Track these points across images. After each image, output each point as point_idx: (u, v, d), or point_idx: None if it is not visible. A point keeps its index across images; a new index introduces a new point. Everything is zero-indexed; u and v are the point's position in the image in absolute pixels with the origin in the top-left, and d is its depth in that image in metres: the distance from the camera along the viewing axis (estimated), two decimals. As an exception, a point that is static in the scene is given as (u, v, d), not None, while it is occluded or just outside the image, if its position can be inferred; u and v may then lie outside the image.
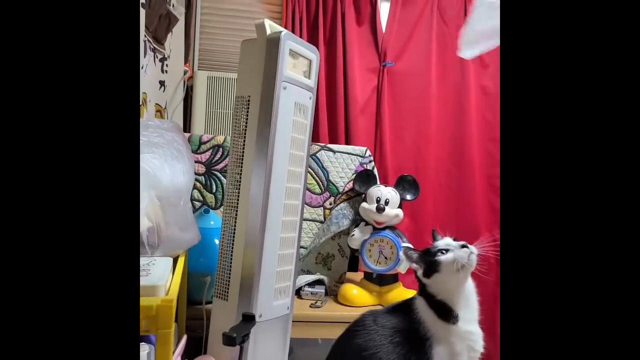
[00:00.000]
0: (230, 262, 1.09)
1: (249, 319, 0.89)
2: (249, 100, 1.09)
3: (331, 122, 2.10)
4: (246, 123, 1.09)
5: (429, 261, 0.95)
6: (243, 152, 1.09)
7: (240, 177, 1.09)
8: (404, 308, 0.99)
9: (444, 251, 0.95)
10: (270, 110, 1.05)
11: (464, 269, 0.93)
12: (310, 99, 1.17)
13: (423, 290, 0.98)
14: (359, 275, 1.63)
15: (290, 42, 1.07)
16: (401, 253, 1.48)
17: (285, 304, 1.15)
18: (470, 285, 0.97)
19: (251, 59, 1.10)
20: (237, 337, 0.81)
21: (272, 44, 1.05)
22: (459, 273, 0.93)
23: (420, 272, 0.97)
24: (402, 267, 1.50)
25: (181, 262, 1.00)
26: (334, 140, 2.08)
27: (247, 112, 1.09)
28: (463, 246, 0.95)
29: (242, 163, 1.09)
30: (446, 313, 0.94)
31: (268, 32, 1.07)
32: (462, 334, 0.94)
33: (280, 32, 1.06)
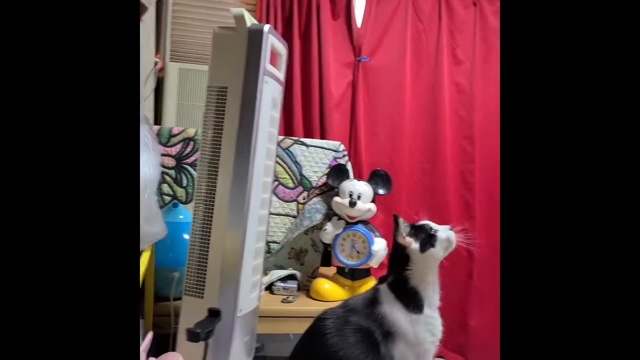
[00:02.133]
0: (206, 258, 1.06)
1: (214, 315, 0.87)
2: (225, 91, 1.06)
3: (306, 117, 2.09)
4: (223, 114, 1.07)
5: (427, 235, 0.97)
6: (219, 144, 1.07)
7: (217, 171, 1.07)
8: (366, 302, 0.99)
9: (435, 229, 0.98)
10: (254, 104, 1.03)
11: (448, 250, 0.97)
12: (281, 93, 1.16)
13: (394, 277, 0.99)
14: (332, 270, 1.63)
15: (272, 37, 1.06)
16: (373, 247, 1.49)
17: (256, 296, 1.16)
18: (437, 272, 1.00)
19: (228, 49, 1.07)
20: (202, 333, 0.79)
21: (255, 37, 1.03)
22: (444, 252, 0.97)
23: (414, 246, 0.97)
24: (374, 262, 1.51)
25: (146, 256, 0.97)
26: (308, 134, 2.06)
27: (224, 103, 1.07)
28: (450, 229, 0.99)
29: (218, 156, 1.07)
30: (414, 303, 0.95)
31: (248, 23, 1.05)
32: (425, 320, 0.95)
33: (262, 25, 1.04)
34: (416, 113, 2.17)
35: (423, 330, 0.95)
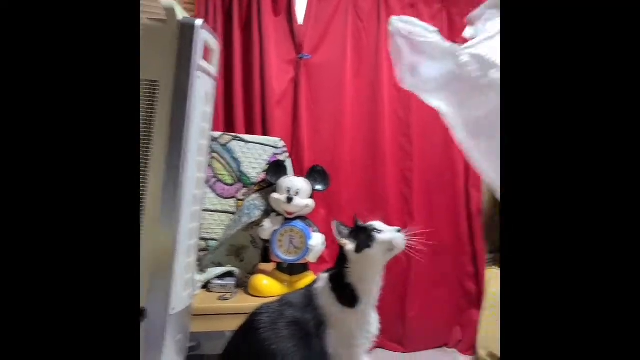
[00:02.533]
0: (137, 256, 1.03)
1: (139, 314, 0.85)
2: (156, 85, 1.04)
3: (247, 113, 2.07)
4: (154, 108, 1.04)
5: (365, 236, 0.97)
6: (150, 139, 1.04)
7: (147, 166, 1.04)
8: (303, 294, 1.01)
9: (378, 231, 0.98)
10: (186, 99, 1.02)
11: (392, 252, 0.97)
12: (214, 88, 1.15)
13: (335, 271, 1.00)
14: (271, 266, 1.63)
15: (205, 32, 1.05)
16: (310, 242, 1.50)
17: (190, 294, 1.14)
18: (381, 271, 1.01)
19: (159, 42, 1.04)
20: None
21: (187, 31, 1.02)
22: (386, 255, 0.97)
23: (350, 247, 0.98)
24: (312, 256, 1.53)
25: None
26: (250, 131, 2.05)
27: (155, 97, 1.04)
28: (398, 231, 0.99)
29: (149, 152, 1.04)
30: (348, 297, 0.97)
31: (179, 16, 1.03)
32: (361, 317, 0.97)
33: (194, 19, 1.03)
34: (357, 111, 2.21)
35: (355, 324, 0.97)
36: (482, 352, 2.06)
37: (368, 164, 2.23)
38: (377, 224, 1.01)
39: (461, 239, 2.32)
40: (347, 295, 0.97)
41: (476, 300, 2.27)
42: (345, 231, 1.01)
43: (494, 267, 2.34)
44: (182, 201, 1.03)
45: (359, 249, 0.97)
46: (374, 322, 1.01)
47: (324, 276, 1.02)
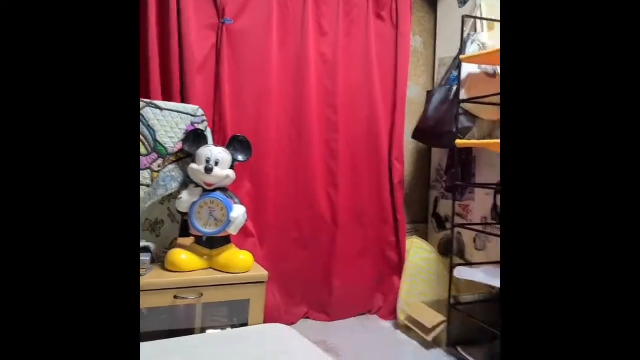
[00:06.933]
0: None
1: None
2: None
3: (165, 80, 1.93)
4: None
5: None
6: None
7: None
8: None
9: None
10: None
11: None
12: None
13: None
14: (190, 240, 1.57)
15: None
16: (231, 214, 1.46)
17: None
18: None
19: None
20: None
21: None
22: None
23: None
24: (233, 228, 1.48)
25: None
26: (167, 98, 1.91)
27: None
28: None
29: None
30: None
31: None
32: None
33: None
34: (282, 80, 2.16)
35: None
36: (401, 316, 2.16)
37: (293, 135, 2.20)
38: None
39: (384, 209, 2.39)
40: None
41: (397, 268, 2.37)
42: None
43: (414, 236, 2.44)
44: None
45: None
46: None
47: None
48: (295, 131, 2.20)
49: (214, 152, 1.48)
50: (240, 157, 1.55)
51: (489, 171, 2.19)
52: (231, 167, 1.52)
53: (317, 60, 2.22)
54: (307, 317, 2.26)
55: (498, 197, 2.14)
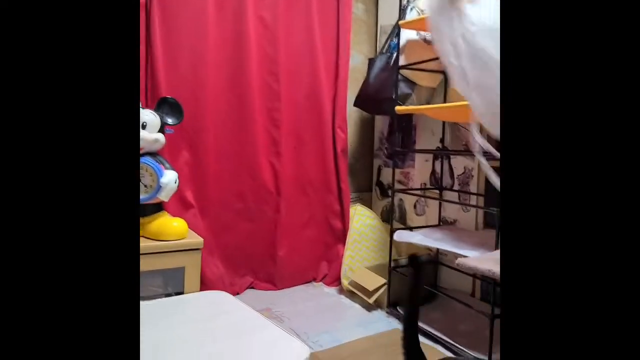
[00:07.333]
0: None
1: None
2: None
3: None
4: None
5: None
6: None
7: None
8: None
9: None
10: None
11: None
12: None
13: None
14: (120, 209, 1.49)
15: None
16: (162, 179, 1.40)
17: None
18: None
19: None
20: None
21: None
22: None
23: None
24: (164, 195, 1.43)
25: None
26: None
27: None
28: None
29: None
30: None
31: None
32: None
33: None
34: (221, 45, 2.07)
35: None
36: (344, 282, 2.20)
37: (234, 102, 2.13)
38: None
39: (328, 178, 2.39)
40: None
41: (342, 237, 2.39)
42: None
43: (357, 204, 2.47)
44: None
45: None
46: None
47: None
48: (235, 99, 2.13)
49: (141, 114, 1.40)
50: (170, 121, 1.48)
51: (428, 137, 2.23)
52: (160, 131, 1.45)
53: (256, 24, 2.15)
54: (253, 288, 2.25)
55: (437, 163, 2.20)
